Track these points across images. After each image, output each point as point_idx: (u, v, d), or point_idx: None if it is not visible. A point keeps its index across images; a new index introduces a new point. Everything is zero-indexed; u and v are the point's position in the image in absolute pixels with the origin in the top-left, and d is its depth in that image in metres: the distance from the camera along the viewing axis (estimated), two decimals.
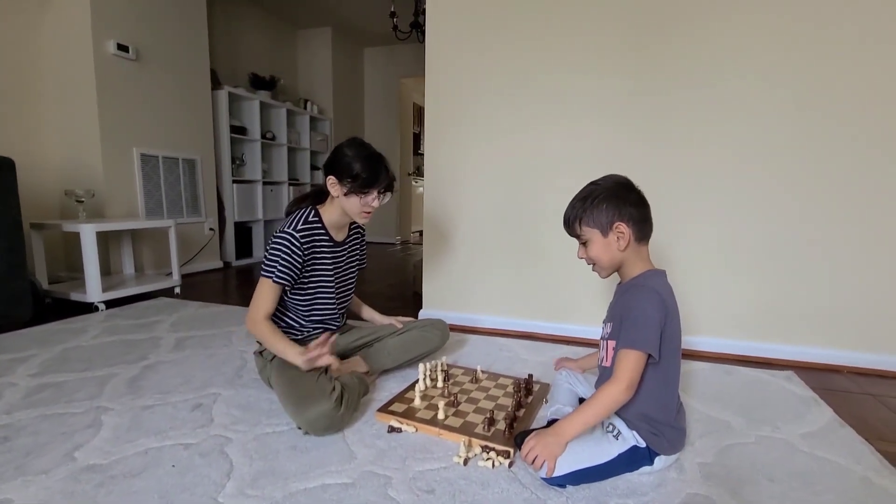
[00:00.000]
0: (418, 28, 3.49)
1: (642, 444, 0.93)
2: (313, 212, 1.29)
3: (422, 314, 2.14)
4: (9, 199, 1.87)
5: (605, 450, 0.92)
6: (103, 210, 2.65)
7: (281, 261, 1.21)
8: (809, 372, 1.59)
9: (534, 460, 0.89)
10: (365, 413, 1.19)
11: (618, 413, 0.94)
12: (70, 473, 0.92)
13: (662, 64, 1.71)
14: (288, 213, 1.33)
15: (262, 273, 1.22)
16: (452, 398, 1.21)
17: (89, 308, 2.18)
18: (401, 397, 1.24)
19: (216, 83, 3.48)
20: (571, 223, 1.01)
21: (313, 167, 4.70)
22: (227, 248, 3.66)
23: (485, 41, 1.90)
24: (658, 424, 0.93)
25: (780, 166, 1.63)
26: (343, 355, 1.40)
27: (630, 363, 0.88)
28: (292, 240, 1.22)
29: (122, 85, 2.71)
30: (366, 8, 4.29)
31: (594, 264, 1.02)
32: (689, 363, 1.60)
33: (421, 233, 2.41)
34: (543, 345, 1.82)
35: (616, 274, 1.04)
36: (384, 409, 1.18)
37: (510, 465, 0.96)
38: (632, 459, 0.93)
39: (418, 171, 6.17)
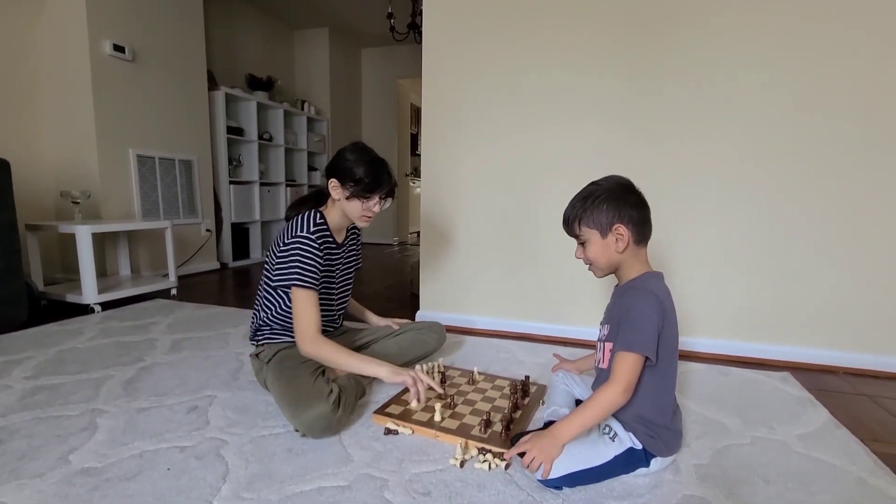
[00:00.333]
0: (415, 29, 3.50)
1: (639, 445, 0.93)
2: (318, 214, 1.28)
3: (419, 315, 2.14)
4: (4, 200, 1.86)
5: (602, 452, 0.92)
6: (99, 211, 2.64)
7: (308, 266, 1.19)
8: (805, 373, 1.60)
9: (530, 462, 0.89)
10: (361, 415, 1.18)
11: (614, 415, 0.95)
12: (64, 477, 0.91)
13: (660, 64, 1.71)
14: (288, 218, 1.31)
15: (295, 284, 1.18)
16: (449, 400, 1.21)
17: (85, 310, 2.17)
18: (397, 399, 1.24)
19: (213, 84, 3.47)
20: (571, 223, 1.01)
21: (310, 168, 4.70)
22: (223, 249, 3.65)
23: (482, 42, 1.90)
24: (655, 426, 0.94)
25: (777, 167, 1.64)
26: None
27: (627, 365, 0.89)
28: (311, 243, 1.21)
29: (118, 85, 2.70)
30: (363, 9, 4.29)
31: (591, 264, 1.02)
32: (684, 364, 1.60)
33: (418, 233, 2.42)
34: (540, 346, 1.82)
35: (613, 276, 1.04)
36: (380, 411, 1.17)
37: (506, 466, 0.96)
38: (628, 461, 0.93)
39: (415, 172, 6.17)
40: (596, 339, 1.07)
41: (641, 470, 0.94)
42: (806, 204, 1.63)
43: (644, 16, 1.71)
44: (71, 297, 2.19)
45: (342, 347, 1.20)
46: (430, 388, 1.17)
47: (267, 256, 1.31)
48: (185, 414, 1.19)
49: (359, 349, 1.44)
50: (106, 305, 2.24)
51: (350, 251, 1.43)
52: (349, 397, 1.14)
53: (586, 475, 0.90)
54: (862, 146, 1.56)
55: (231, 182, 3.65)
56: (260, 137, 3.91)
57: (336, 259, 1.35)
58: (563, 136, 1.84)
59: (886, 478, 0.96)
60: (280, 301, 1.29)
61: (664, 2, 1.68)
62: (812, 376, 1.57)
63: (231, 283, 3.11)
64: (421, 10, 2.08)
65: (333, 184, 1.25)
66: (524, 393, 1.29)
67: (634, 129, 1.76)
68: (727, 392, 1.40)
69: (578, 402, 1.15)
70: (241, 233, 3.85)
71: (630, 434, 0.93)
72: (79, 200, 2.32)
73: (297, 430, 1.08)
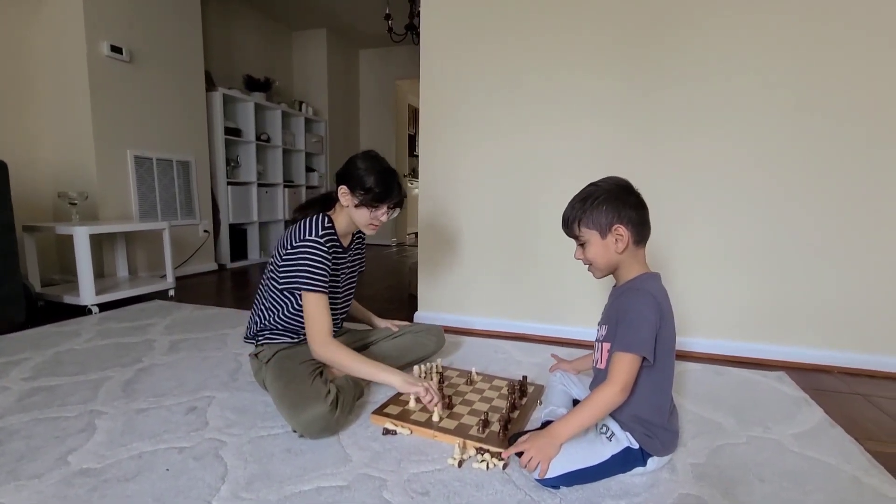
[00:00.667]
0: (413, 30, 3.50)
1: (635, 445, 0.94)
2: (327, 218, 1.28)
3: (417, 316, 2.14)
4: (1, 202, 1.86)
5: (599, 451, 0.92)
6: (97, 212, 2.64)
7: (317, 270, 1.20)
8: (800, 372, 1.61)
9: (528, 462, 0.89)
10: (360, 416, 1.19)
11: (611, 415, 0.95)
12: (63, 478, 0.91)
13: (659, 64, 1.72)
14: (294, 220, 1.31)
15: (305, 288, 1.19)
16: (447, 400, 1.21)
17: (83, 311, 2.16)
18: (395, 399, 1.24)
19: (210, 85, 3.47)
20: (570, 224, 1.01)
21: (308, 169, 4.70)
22: (221, 250, 3.64)
23: (480, 42, 1.91)
24: (651, 426, 0.94)
25: (776, 167, 1.65)
26: None
27: (625, 366, 0.89)
28: (319, 247, 1.21)
29: (115, 86, 2.70)
30: (361, 10, 4.29)
31: (590, 265, 1.02)
32: (681, 364, 1.61)
33: (416, 234, 2.42)
34: (538, 347, 1.82)
35: (611, 276, 1.04)
36: (379, 411, 1.18)
37: (504, 466, 0.97)
38: (625, 461, 0.94)
39: (413, 173, 6.18)
40: (593, 339, 1.08)
41: (638, 469, 0.95)
42: (803, 205, 1.64)
43: (643, 16, 1.72)
44: (68, 299, 2.18)
45: (354, 353, 1.21)
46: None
47: (271, 258, 1.31)
48: (184, 415, 1.19)
49: (357, 351, 1.44)
50: (104, 306, 2.24)
51: (355, 255, 1.44)
52: (347, 398, 1.14)
53: (583, 474, 0.91)
54: (860, 146, 1.57)
55: (229, 183, 3.65)
56: (258, 138, 3.91)
57: (342, 263, 1.35)
58: (562, 137, 1.85)
59: (881, 476, 0.97)
60: (288, 303, 1.28)
61: (663, 2, 1.69)
62: (807, 376, 1.58)
63: (229, 284, 3.11)
64: (419, 12, 2.09)
65: (343, 190, 1.25)
66: (522, 393, 1.29)
67: (634, 129, 1.77)
68: (723, 392, 1.41)
69: (576, 402, 1.15)
70: (238, 234, 3.84)
71: (627, 433, 0.94)
72: (76, 201, 2.32)
73: (295, 431, 1.08)
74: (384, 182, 1.24)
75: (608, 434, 0.95)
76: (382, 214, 1.27)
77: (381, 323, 1.60)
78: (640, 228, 0.98)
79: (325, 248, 1.22)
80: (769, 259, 1.69)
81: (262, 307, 1.32)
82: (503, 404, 1.23)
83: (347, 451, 1.03)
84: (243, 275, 3.42)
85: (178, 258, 3.16)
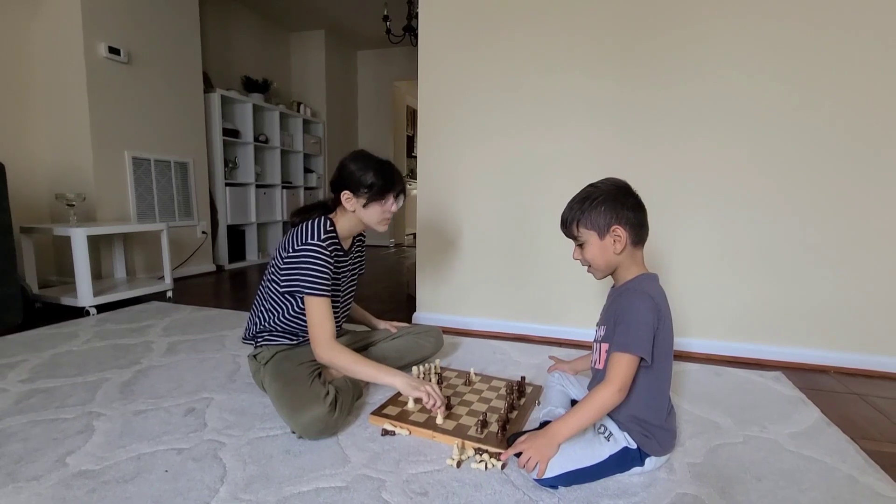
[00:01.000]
0: (411, 31, 3.51)
1: (633, 445, 0.94)
2: (329, 222, 1.27)
3: (415, 317, 2.15)
4: None
5: (597, 451, 0.93)
6: (94, 213, 2.63)
7: (320, 274, 1.19)
8: (797, 372, 1.62)
9: (526, 462, 0.90)
10: (358, 416, 1.19)
11: (610, 415, 0.96)
12: (62, 479, 0.91)
13: (656, 65, 1.73)
14: (293, 224, 1.30)
15: (308, 292, 1.19)
16: (446, 400, 1.22)
17: (80, 312, 2.16)
18: (394, 400, 1.24)
19: (208, 86, 3.47)
20: (569, 224, 1.02)
21: (306, 170, 4.70)
22: (219, 251, 3.64)
23: (477, 44, 1.92)
24: (649, 426, 0.95)
25: (772, 168, 1.66)
26: None
27: (623, 366, 0.90)
28: (322, 251, 1.20)
29: (113, 88, 2.69)
30: (359, 11, 4.30)
31: (589, 266, 1.03)
32: (679, 364, 1.62)
33: (415, 235, 2.43)
34: (536, 347, 1.83)
35: (609, 277, 1.05)
36: (378, 412, 1.18)
37: (503, 466, 0.97)
38: (623, 461, 0.94)
39: (412, 174, 6.18)
40: (592, 340, 1.08)
41: (636, 469, 0.95)
42: (800, 206, 1.65)
43: (641, 17, 1.72)
44: (66, 300, 2.18)
45: (358, 355, 1.20)
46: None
47: (272, 260, 1.30)
48: (183, 416, 1.19)
49: (357, 352, 1.44)
50: (101, 308, 2.24)
51: (356, 258, 1.44)
52: (346, 399, 1.14)
53: (582, 474, 0.91)
54: (857, 148, 1.58)
55: (227, 184, 3.65)
56: (256, 139, 3.91)
57: (343, 266, 1.35)
58: (560, 138, 1.86)
59: (876, 475, 0.98)
60: (288, 305, 1.27)
61: (659, 4, 1.70)
62: (804, 376, 1.59)
63: (227, 285, 3.10)
64: (417, 13, 2.09)
65: (346, 196, 1.25)
66: (520, 393, 1.30)
67: (631, 130, 1.78)
68: (720, 392, 1.42)
69: (574, 403, 1.16)
70: (237, 235, 3.84)
71: (625, 433, 0.94)
72: (74, 203, 2.31)
73: (294, 432, 1.08)
74: (383, 173, 1.24)
75: (606, 434, 0.95)
76: (392, 205, 1.28)
77: (381, 324, 1.60)
78: (639, 229, 0.98)
79: (328, 252, 1.22)
80: (766, 260, 1.69)
81: (262, 309, 1.32)
82: (501, 405, 1.23)
83: (346, 451, 1.03)
84: (241, 276, 3.41)
85: (176, 259, 3.15)
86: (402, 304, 2.52)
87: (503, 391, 1.33)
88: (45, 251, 2.65)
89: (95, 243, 2.64)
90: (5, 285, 1.87)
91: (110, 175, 2.71)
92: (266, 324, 1.31)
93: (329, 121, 4.98)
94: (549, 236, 1.85)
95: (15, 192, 2.32)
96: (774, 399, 1.37)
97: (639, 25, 1.73)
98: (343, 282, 1.38)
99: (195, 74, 3.28)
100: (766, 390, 1.44)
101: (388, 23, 3.55)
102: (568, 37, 1.81)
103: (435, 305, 2.12)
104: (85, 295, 2.14)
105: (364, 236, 1.47)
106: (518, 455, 0.92)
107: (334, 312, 1.35)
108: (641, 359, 0.90)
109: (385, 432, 1.11)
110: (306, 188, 4.66)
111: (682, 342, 1.78)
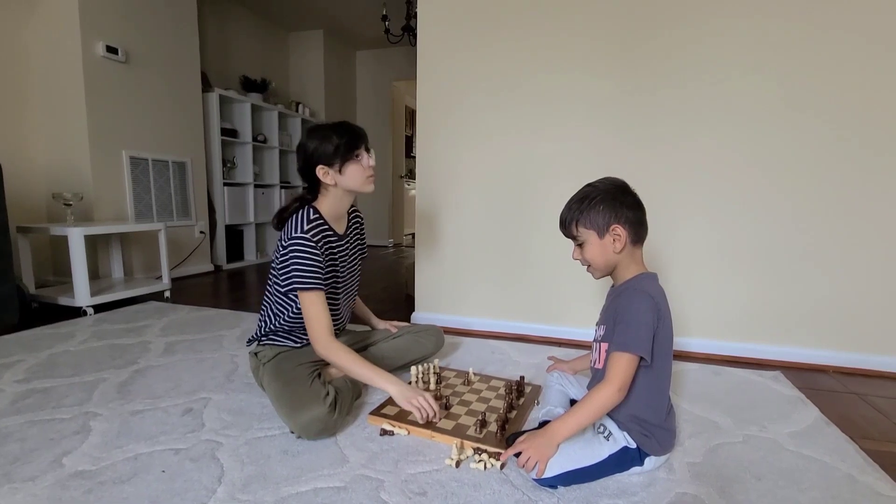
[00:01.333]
0: (410, 31, 3.51)
1: (633, 445, 0.94)
2: (311, 210, 1.25)
3: (414, 317, 2.14)
4: None
5: (596, 451, 0.93)
6: (92, 213, 2.62)
7: (308, 267, 1.17)
8: (796, 372, 1.62)
9: (525, 462, 0.89)
10: (357, 416, 1.19)
11: (609, 414, 0.95)
12: (58, 480, 0.91)
13: (654, 65, 1.73)
14: (277, 227, 1.27)
15: (300, 287, 1.17)
16: (444, 400, 1.21)
17: (77, 312, 2.15)
18: (393, 400, 1.24)
19: (207, 85, 3.46)
20: (568, 224, 1.01)
21: None
22: (217, 251, 3.63)
23: (477, 44, 1.91)
24: (649, 426, 0.95)
25: (770, 168, 1.66)
26: None
27: (622, 365, 0.89)
28: (307, 242, 1.18)
29: (111, 87, 2.68)
30: (358, 11, 4.29)
31: (589, 265, 1.03)
32: (678, 364, 1.62)
33: (413, 235, 2.42)
34: (535, 347, 1.82)
35: (609, 277, 1.05)
36: (376, 412, 1.18)
37: (502, 466, 0.97)
38: (622, 460, 0.94)
39: (411, 174, 6.17)
40: (591, 339, 1.08)
41: (636, 469, 0.95)
42: (798, 206, 1.65)
43: (637, 18, 1.72)
44: (63, 300, 2.17)
45: (356, 355, 1.19)
46: (427, 389, 1.17)
47: (272, 261, 1.29)
48: (180, 416, 1.18)
49: (356, 352, 1.43)
50: (98, 308, 2.23)
51: (354, 241, 1.39)
52: (345, 399, 1.14)
53: (581, 474, 0.91)
54: (855, 148, 1.58)
55: (225, 184, 3.64)
56: (254, 139, 3.90)
57: (339, 251, 1.31)
58: (559, 138, 1.86)
59: (875, 474, 0.98)
60: (292, 304, 1.26)
61: (657, 4, 1.70)
62: (803, 375, 1.59)
63: (225, 285, 3.10)
64: (416, 13, 2.09)
65: (322, 171, 1.22)
66: (519, 393, 1.29)
67: (629, 130, 1.78)
68: (720, 391, 1.42)
69: (573, 402, 1.15)
70: (235, 235, 3.83)
71: (624, 433, 0.94)
72: (71, 202, 2.30)
73: (293, 432, 1.08)
74: (343, 131, 1.22)
75: (606, 434, 0.95)
76: (367, 159, 1.25)
77: (380, 324, 1.59)
78: (638, 228, 0.98)
79: (313, 243, 1.19)
80: (765, 260, 1.69)
81: (270, 312, 1.31)
82: (500, 404, 1.23)
83: (345, 451, 1.02)
84: (240, 276, 3.40)
85: (173, 259, 3.14)
86: (401, 304, 2.52)
87: (502, 391, 1.32)
88: (42, 251, 2.64)
89: (93, 243, 2.63)
90: (1, 285, 1.86)
91: (108, 174, 2.70)
92: (273, 325, 1.30)
93: (328, 121, 4.96)
94: (548, 236, 1.85)
95: (12, 192, 2.31)
96: (774, 399, 1.37)
97: (639, 26, 1.73)
98: (343, 268, 1.33)
99: (193, 74, 3.27)
100: (765, 390, 1.44)
101: (386, 23, 3.55)
102: (567, 37, 1.80)
103: (434, 305, 2.12)
104: (82, 295, 2.13)
105: (360, 215, 1.44)
106: (517, 455, 0.91)
107: (337, 302, 1.33)
108: (641, 358, 0.90)
109: (384, 432, 1.10)
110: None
111: (682, 342, 1.78)
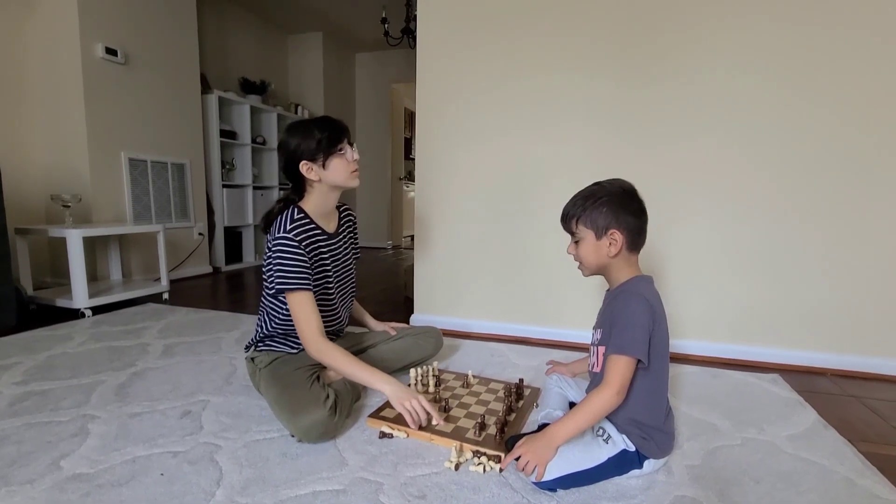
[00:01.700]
0: (409, 34, 3.51)
1: (632, 447, 0.94)
2: (295, 209, 1.24)
3: (413, 319, 2.14)
4: None
5: (595, 454, 0.93)
6: (90, 215, 2.62)
7: (291, 267, 1.16)
8: (794, 375, 1.62)
9: (524, 465, 0.89)
10: (356, 419, 1.18)
11: (608, 417, 0.95)
12: (56, 483, 0.90)
13: (653, 65, 1.73)
14: (267, 226, 1.26)
15: (288, 289, 1.15)
16: (443, 403, 1.21)
17: (75, 314, 2.15)
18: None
19: (206, 87, 3.46)
20: (569, 219, 1.02)
21: None
22: (216, 253, 3.63)
23: (476, 46, 1.92)
24: (647, 428, 0.95)
25: (769, 170, 1.66)
26: None
27: (620, 368, 0.90)
28: (289, 241, 1.17)
29: (110, 89, 2.68)
30: (357, 13, 4.30)
31: (580, 262, 1.03)
32: (676, 367, 1.62)
33: (412, 237, 2.42)
34: (534, 350, 1.83)
35: (605, 280, 1.05)
36: (375, 414, 1.18)
37: (501, 469, 0.97)
38: (621, 463, 0.94)
39: (410, 176, 6.18)
40: (589, 343, 1.08)
41: (634, 471, 0.95)
42: (797, 208, 1.65)
43: (636, 18, 1.73)
44: (61, 302, 2.16)
45: (349, 355, 1.16)
46: (426, 392, 1.16)
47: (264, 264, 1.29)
48: (178, 419, 1.18)
49: (356, 353, 1.43)
50: (97, 310, 2.22)
51: (345, 240, 1.38)
52: (345, 402, 1.14)
53: (580, 477, 0.91)
54: (855, 150, 1.58)
55: (224, 185, 3.64)
56: (253, 141, 3.90)
57: (328, 250, 1.30)
58: (558, 139, 1.86)
59: (874, 477, 0.98)
60: (281, 308, 1.26)
61: (658, 5, 1.71)
62: (801, 378, 1.59)
63: (224, 287, 3.09)
64: (415, 15, 2.09)
65: (306, 167, 1.21)
66: (518, 396, 1.29)
67: (628, 130, 1.78)
68: (718, 394, 1.42)
69: (572, 405, 1.16)
70: (233, 237, 3.83)
71: (623, 436, 0.94)
72: (69, 204, 2.30)
73: (293, 436, 1.07)
74: (325, 124, 1.21)
75: (604, 436, 0.95)
76: (351, 153, 1.24)
77: (378, 326, 1.59)
78: (636, 236, 0.98)
79: (296, 242, 1.18)
80: (763, 262, 1.70)
81: (265, 316, 1.30)
82: (500, 407, 1.23)
83: (344, 454, 1.02)
84: (238, 278, 3.40)
85: (172, 261, 3.14)
86: (400, 307, 2.51)
87: (501, 393, 1.32)
88: (41, 252, 2.63)
89: (91, 245, 2.62)
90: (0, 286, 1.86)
91: (106, 176, 2.70)
92: (267, 329, 1.29)
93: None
94: (548, 238, 1.85)
95: (10, 193, 2.31)
96: (772, 401, 1.37)
97: (638, 26, 1.73)
98: (335, 268, 1.32)
99: (192, 75, 3.27)
100: (763, 392, 1.44)
101: (386, 25, 3.56)
102: (566, 38, 1.81)
103: (432, 308, 2.12)
104: (80, 297, 2.13)
105: (353, 214, 1.44)
106: (517, 458, 0.91)
107: (332, 303, 1.32)
108: (638, 361, 0.90)
109: (383, 435, 1.10)
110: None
111: (680, 344, 1.79)
